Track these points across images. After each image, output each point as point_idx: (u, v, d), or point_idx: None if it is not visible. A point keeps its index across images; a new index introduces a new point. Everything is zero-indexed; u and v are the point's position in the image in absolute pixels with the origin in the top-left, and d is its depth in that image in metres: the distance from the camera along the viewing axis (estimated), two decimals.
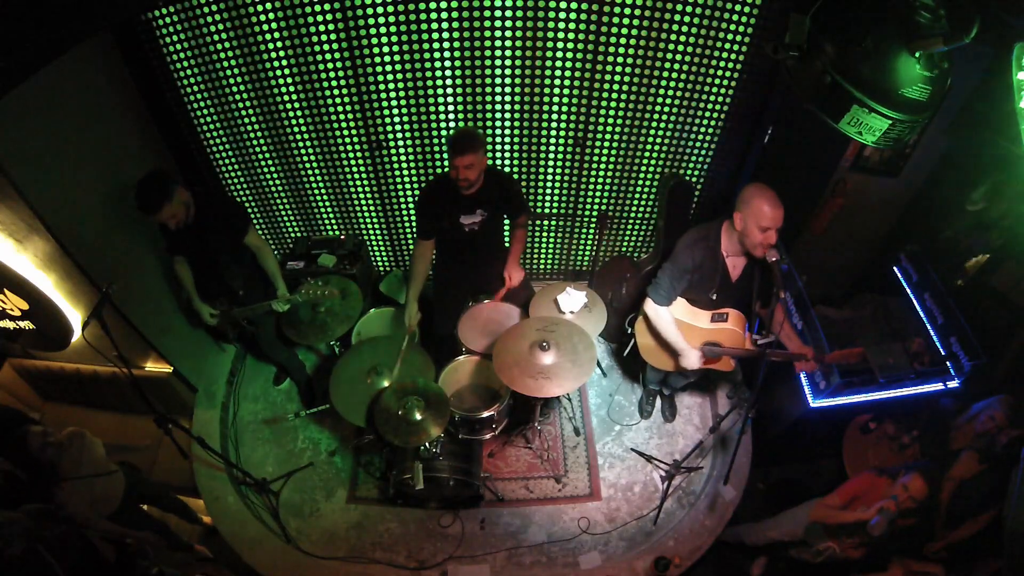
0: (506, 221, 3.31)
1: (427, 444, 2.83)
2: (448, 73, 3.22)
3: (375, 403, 2.83)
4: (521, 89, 3.28)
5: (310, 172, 3.82)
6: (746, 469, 3.51)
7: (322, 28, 3.03)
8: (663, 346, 2.99)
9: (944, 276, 3.20)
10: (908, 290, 3.39)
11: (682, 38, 3.05)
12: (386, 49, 3.11)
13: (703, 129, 3.51)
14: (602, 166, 3.71)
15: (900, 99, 1.83)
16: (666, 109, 3.39)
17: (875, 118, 1.87)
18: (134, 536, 2.83)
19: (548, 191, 3.89)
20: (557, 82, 3.25)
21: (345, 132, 3.54)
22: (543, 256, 4.39)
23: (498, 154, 3.62)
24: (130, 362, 2.63)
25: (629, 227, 4.16)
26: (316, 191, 3.95)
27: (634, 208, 4.01)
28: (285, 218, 4.19)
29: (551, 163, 3.71)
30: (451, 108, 3.40)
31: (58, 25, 2.04)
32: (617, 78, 3.22)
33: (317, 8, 2.95)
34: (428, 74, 3.22)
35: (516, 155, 3.65)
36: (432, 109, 3.40)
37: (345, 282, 3.26)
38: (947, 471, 2.50)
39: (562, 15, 2.95)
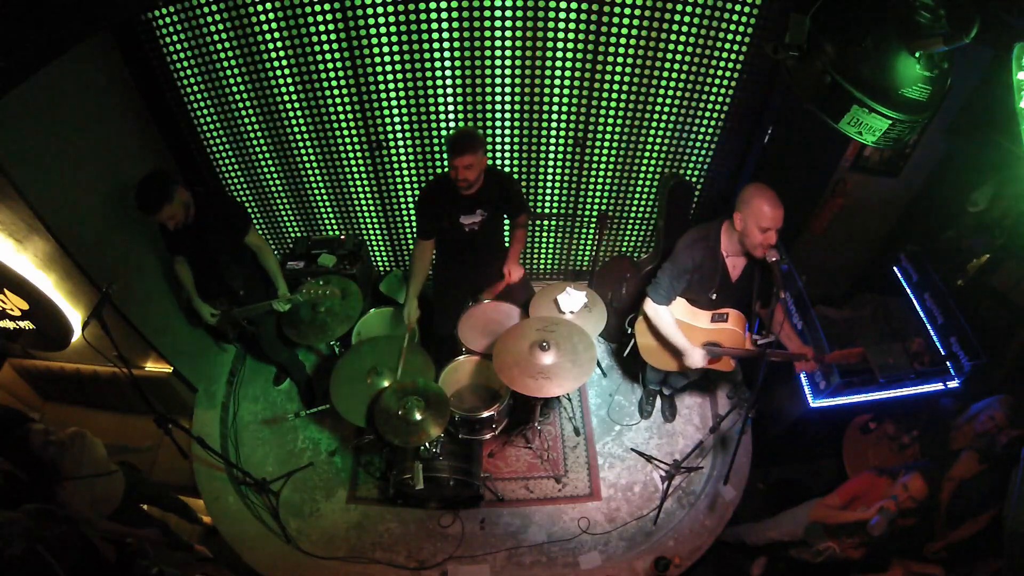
0: (506, 221, 3.31)
1: (427, 444, 2.83)
2: (448, 73, 3.22)
3: (375, 403, 2.83)
4: (521, 89, 3.28)
5: (310, 172, 3.82)
6: (746, 469, 3.51)
7: (322, 28, 3.03)
8: (665, 346, 2.99)
9: (944, 276, 3.20)
10: (908, 290, 3.39)
11: (682, 38, 3.05)
12: (386, 49, 3.11)
13: (703, 129, 3.51)
14: (602, 166, 3.71)
15: (900, 99, 1.83)
16: (666, 109, 3.39)
17: (875, 118, 1.87)
18: (135, 534, 2.83)
19: (548, 191, 3.89)
20: (557, 82, 3.25)
21: (345, 132, 3.54)
22: (543, 256, 4.39)
23: (498, 154, 3.62)
24: (130, 362, 2.63)
25: (629, 227, 4.16)
26: (316, 191, 3.95)
27: (634, 208, 4.01)
28: (285, 218, 4.19)
29: (551, 163, 3.71)
30: (451, 108, 3.40)
31: (58, 25, 2.04)
32: (617, 78, 3.22)
33: (317, 8, 2.96)
34: (428, 74, 3.22)
35: (516, 155, 3.65)
36: (432, 109, 3.40)
37: (345, 282, 3.26)
38: (947, 471, 2.50)
39: (562, 15, 2.96)
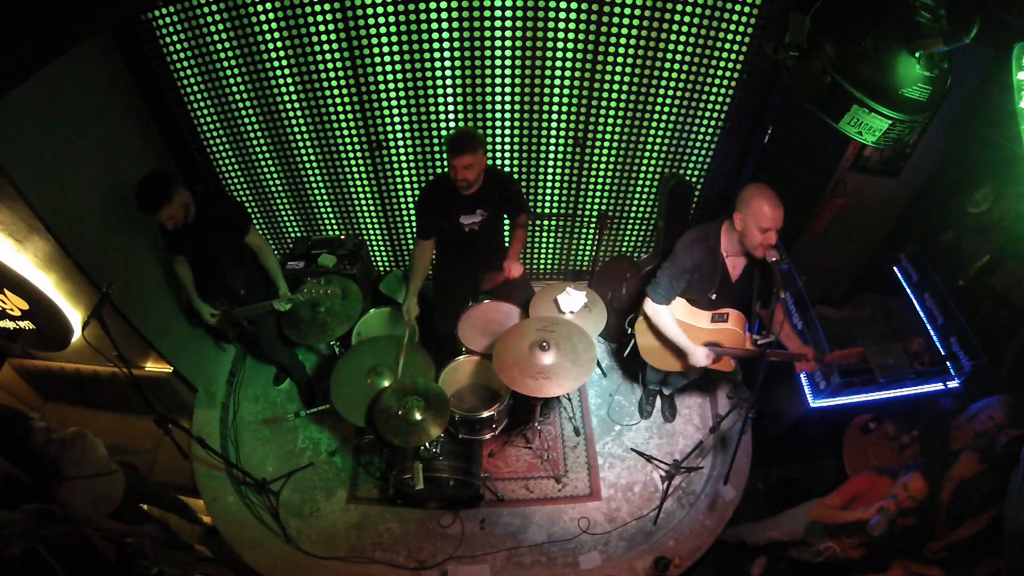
0: (506, 221, 3.31)
1: (427, 444, 2.83)
2: (448, 73, 3.22)
3: (375, 403, 2.83)
4: (521, 89, 3.28)
5: (310, 172, 3.82)
6: (746, 469, 3.51)
7: (322, 28, 3.03)
8: (665, 346, 2.99)
9: (944, 276, 3.20)
10: (908, 290, 3.39)
11: (682, 38, 3.05)
12: (386, 49, 3.11)
13: (703, 129, 3.51)
14: (602, 166, 3.71)
15: (900, 99, 1.83)
16: (666, 109, 3.39)
17: (875, 118, 1.87)
18: (136, 532, 2.83)
19: (548, 191, 3.89)
20: (557, 82, 3.25)
21: (345, 132, 3.54)
22: (543, 256, 4.39)
23: (498, 154, 3.62)
24: (130, 362, 2.63)
25: (629, 227, 4.16)
26: (316, 191, 3.95)
27: (634, 208, 4.01)
28: (285, 218, 4.19)
29: (551, 163, 3.71)
30: (451, 108, 3.40)
31: (58, 25, 2.04)
32: (617, 78, 3.22)
33: (317, 8, 2.96)
34: (428, 74, 3.22)
35: (516, 155, 3.65)
36: (432, 109, 3.40)
37: (345, 282, 3.26)
38: (947, 471, 2.50)
39: (562, 15, 2.95)
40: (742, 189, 2.54)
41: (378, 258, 4.46)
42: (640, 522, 3.36)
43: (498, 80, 3.24)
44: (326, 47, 3.11)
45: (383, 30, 3.03)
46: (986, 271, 3.18)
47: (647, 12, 2.95)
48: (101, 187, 2.98)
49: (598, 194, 3.89)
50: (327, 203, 4.04)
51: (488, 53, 3.12)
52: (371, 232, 4.23)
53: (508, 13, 2.95)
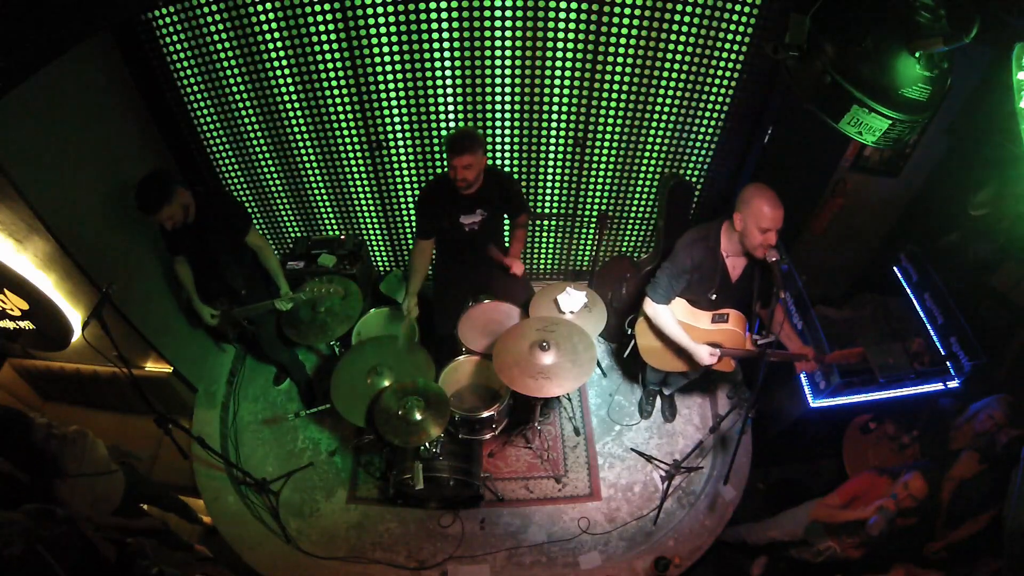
0: (506, 221, 3.31)
1: (427, 444, 2.83)
2: (448, 73, 3.22)
3: (375, 403, 2.83)
4: (521, 89, 3.28)
5: (310, 172, 3.82)
6: (746, 469, 3.51)
7: (322, 28, 3.03)
8: (666, 346, 2.99)
9: (945, 276, 3.20)
10: (908, 290, 3.39)
11: (682, 38, 3.05)
12: (386, 49, 3.11)
13: (703, 129, 3.51)
14: (602, 166, 3.71)
15: (900, 99, 1.83)
16: (666, 109, 3.39)
17: (875, 118, 1.87)
18: (137, 526, 2.83)
19: (548, 191, 3.89)
20: (557, 82, 3.25)
21: (345, 132, 3.54)
22: (543, 256, 4.39)
23: (498, 154, 3.62)
24: (130, 362, 2.63)
25: (629, 227, 4.16)
26: (316, 191, 3.95)
27: (634, 208, 4.01)
28: (285, 218, 4.19)
29: (551, 163, 3.71)
30: (451, 108, 3.40)
31: (58, 25, 2.04)
32: (617, 78, 3.22)
33: (317, 8, 2.96)
34: (428, 74, 3.22)
35: (516, 155, 3.65)
36: (432, 109, 3.40)
37: (345, 282, 3.26)
38: (947, 471, 2.50)
39: (562, 15, 2.95)
40: (742, 189, 2.54)
41: (378, 258, 4.46)
42: (640, 522, 3.36)
43: (498, 80, 3.24)
44: (326, 47, 3.11)
45: (383, 30, 3.03)
46: (986, 271, 3.18)
47: (647, 12, 2.95)
48: (101, 187, 2.98)
49: (598, 194, 3.89)
50: (327, 203, 4.04)
51: (488, 53, 3.12)
52: (371, 232, 4.23)
53: (508, 13, 2.95)
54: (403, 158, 3.68)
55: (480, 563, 3.17)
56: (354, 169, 3.78)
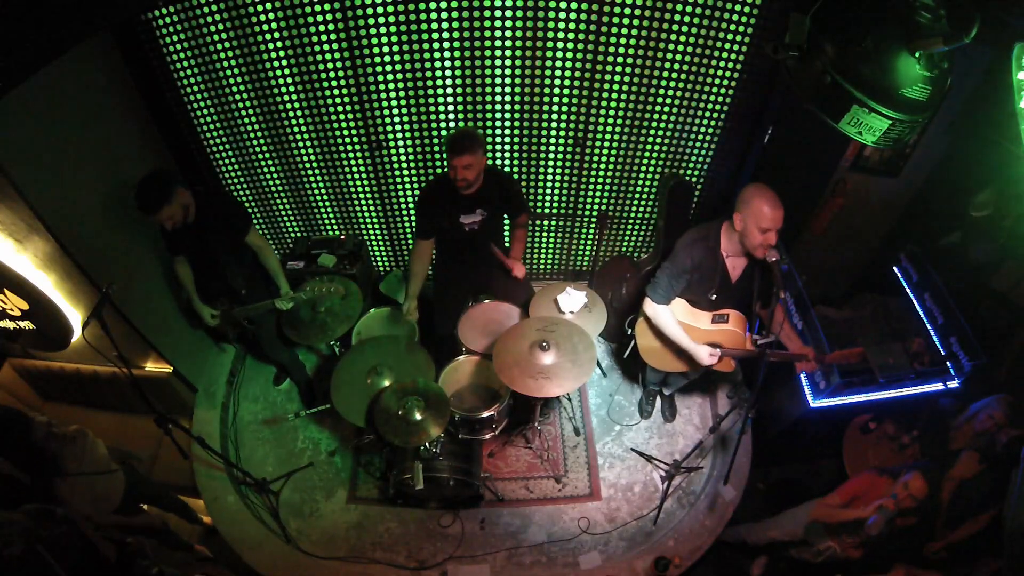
0: (506, 221, 3.31)
1: (427, 444, 2.83)
2: (448, 73, 3.22)
3: (375, 403, 2.83)
4: (521, 89, 3.28)
5: (310, 172, 3.82)
6: (746, 469, 3.51)
7: (322, 28, 3.03)
8: (666, 347, 2.99)
9: (945, 276, 3.20)
10: (908, 290, 3.39)
11: (682, 38, 3.05)
12: (386, 49, 3.11)
13: (703, 129, 3.51)
14: (602, 166, 3.71)
15: (900, 99, 1.83)
16: (666, 109, 3.39)
17: (875, 118, 1.87)
18: (136, 525, 2.83)
19: (548, 191, 3.89)
20: (557, 82, 3.25)
21: (345, 132, 3.54)
22: (543, 256, 4.39)
23: (498, 154, 3.62)
24: (130, 362, 2.63)
25: (629, 227, 4.16)
26: (316, 191, 3.95)
27: (634, 208, 4.01)
28: (285, 218, 4.19)
29: (551, 163, 3.71)
30: (451, 108, 3.40)
31: (58, 25, 2.04)
32: (617, 78, 3.22)
33: (317, 8, 2.96)
34: (428, 74, 3.22)
35: (516, 155, 3.65)
36: (432, 109, 3.40)
37: (345, 282, 3.26)
38: (947, 471, 2.50)
39: (562, 15, 2.95)
40: (742, 189, 2.54)
41: (378, 258, 4.46)
42: (640, 522, 3.36)
43: (498, 80, 3.24)
44: (326, 47, 3.11)
45: (383, 30, 3.03)
46: (986, 270, 3.18)
47: (647, 12, 2.95)
48: (101, 187, 2.98)
49: (598, 194, 3.89)
50: (327, 203, 4.04)
51: (488, 53, 3.12)
52: (371, 232, 4.23)
53: (508, 13, 2.95)
54: (403, 158, 3.68)
55: (480, 563, 3.17)
56: (354, 169, 3.78)
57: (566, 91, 3.29)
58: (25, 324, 3.09)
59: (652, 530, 3.30)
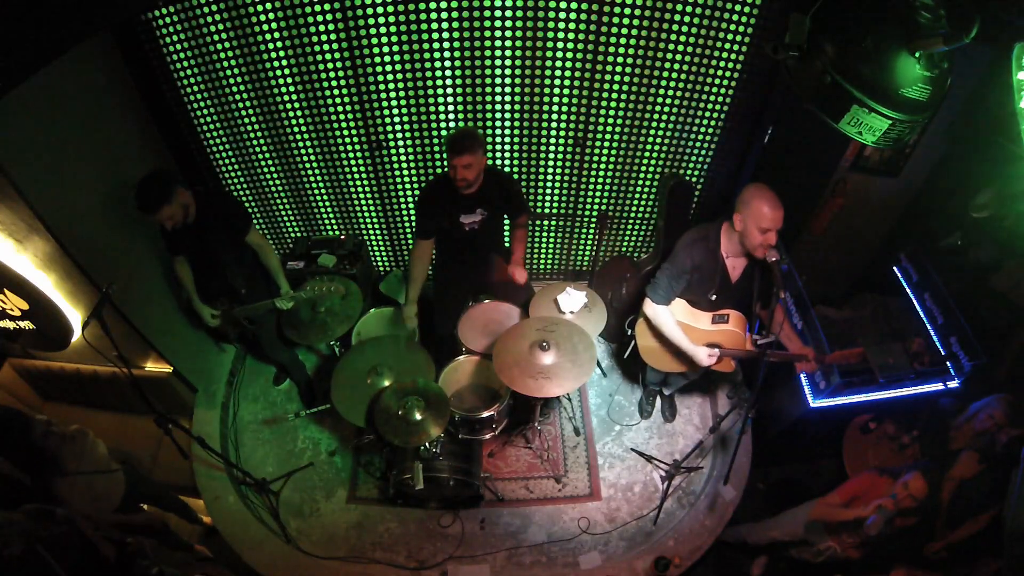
0: (506, 221, 3.30)
1: (427, 444, 2.83)
2: (448, 73, 3.22)
3: (375, 403, 2.83)
4: (521, 89, 3.28)
5: (310, 172, 3.82)
6: (746, 469, 3.51)
7: (322, 28, 3.03)
8: (665, 347, 2.99)
9: (945, 276, 3.20)
10: (908, 290, 3.39)
11: (682, 38, 3.05)
12: (386, 49, 3.11)
13: (703, 129, 3.51)
14: (602, 166, 3.71)
15: (900, 99, 1.83)
16: (666, 109, 3.39)
17: (875, 118, 1.87)
18: (137, 523, 2.83)
19: (548, 191, 3.89)
20: (557, 82, 3.25)
21: (345, 132, 3.54)
22: (543, 256, 4.39)
23: (498, 154, 3.62)
24: (130, 362, 2.63)
25: (629, 227, 4.16)
26: (316, 191, 3.95)
27: (634, 208, 4.01)
28: (285, 218, 4.19)
29: (551, 163, 3.71)
30: (451, 108, 3.40)
31: (58, 25, 2.04)
32: (617, 78, 3.22)
33: (317, 8, 2.96)
34: (428, 74, 3.22)
35: (516, 155, 3.65)
36: (432, 109, 3.40)
37: (345, 282, 3.26)
38: (947, 471, 2.50)
39: (562, 15, 2.95)
40: (742, 190, 2.54)
41: (378, 258, 4.46)
42: (640, 522, 3.36)
43: (498, 80, 3.24)
44: (326, 47, 3.11)
45: (383, 30, 3.03)
46: (986, 270, 3.17)
47: (647, 12, 2.95)
48: (101, 187, 2.98)
49: (598, 194, 3.89)
50: (327, 203, 4.04)
51: (488, 53, 3.12)
52: (371, 232, 4.23)
53: (508, 13, 2.95)
54: (403, 158, 3.68)
55: (480, 563, 3.17)
56: (354, 169, 3.78)
57: (566, 91, 3.29)
58: (25, 324, 3.09)
59: (652, 530, 3.30)
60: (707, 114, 3.43)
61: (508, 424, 3.19)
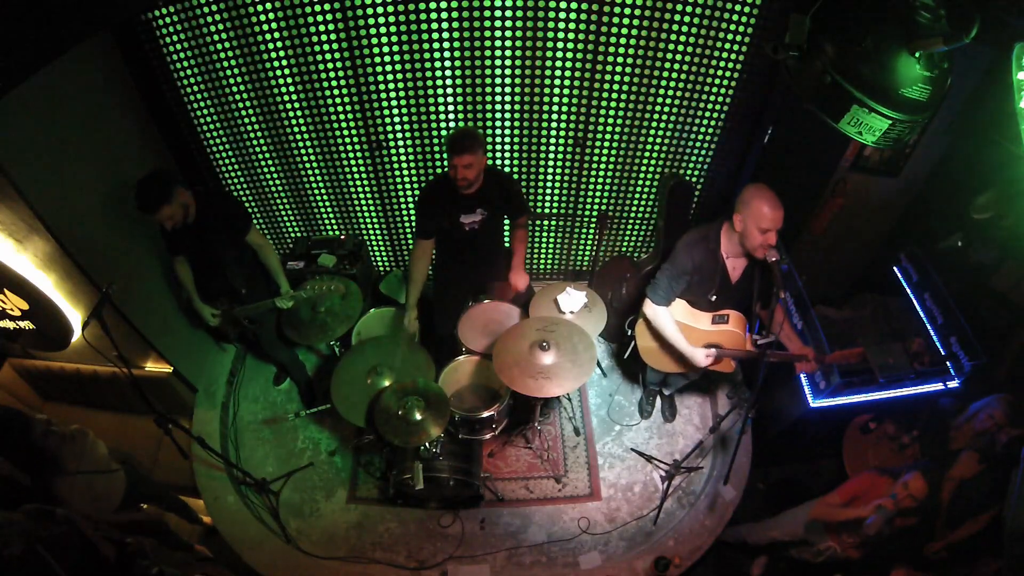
0: (506, 221, 3.30)
1: (427, 444, 2.83)
2: (448, 73, 3.22)
3: (375, 403, 2.83)
4: (521, 89, 3.28)
5: (310, 172, 3.82)
6: (746, 469, 3.51)
7: (322, 28, 3.03)
8: (665, 348, 2.99)
9: (945, 276, 3.20)
10: (908, 290, 3.39)
11: (682, 38, 3.05)
12: (386, 49, 3.11)
13: (703, 129, 3.51)
14: (602, 166, 3.71)
15: (900, 99, 1.83)
16: (666, 109, 3.39)
17: (875, 118, 1.87)
18: (136, 520, 2.83)
19: (548, 191, 3.89)
20: (557, 82, 3.25)
21: (345, 132, 3.54)
22: (543, 256, 4.39)
23: (498, 154, 3.62)
24: (130, 362, 2.63)
25: (629, 227, 4.16)
26: (316, 191, 3.95)
27: (634, 208, 4.01)
28: (285, 218, 4.19)
29: (551, 163, 3.71)
30: (451, 108, 3.40)
31: (58, 25, 2.04)
32: (617, 78, 3.22)
33: (317, 8, 2.96)
34: (428, 74, 3.22)
35: (516, 155, 3.65)
36: (432, 109, 3.40)
37: (345, 282, 3.26)
38: (947, 471, 2.50)
39: (562, 15, 2.95)
40: (742, 190, 2.54)
41: (378, 258, 4.46)
42: (640, 522, 3.36)
43: (498, 80, 3.24)
44: (326, 47, 3.11)
45: (383, 30, 3.03)
46: (986, 271, 3.17)
47: (647, 12, 2.95)
48: (101, 187, 2.98)
49: (598, 194, 3.89)
50: (327, 203, 4.04)
51: (488, 53, 3.12)
52: (371, 232, 4.23)
53: (508, 13, 2.95)
54: (403, 158, 3.68)
55: (480, 563, 3.17)
56: (354, 169, 3.78)
57: (566, 91, 3.29)
58: (25, 324, 3.09)
59: (652, 530, 3.30)
60: (707, 114, 3.43)
61: (508, 424, 3.19)
